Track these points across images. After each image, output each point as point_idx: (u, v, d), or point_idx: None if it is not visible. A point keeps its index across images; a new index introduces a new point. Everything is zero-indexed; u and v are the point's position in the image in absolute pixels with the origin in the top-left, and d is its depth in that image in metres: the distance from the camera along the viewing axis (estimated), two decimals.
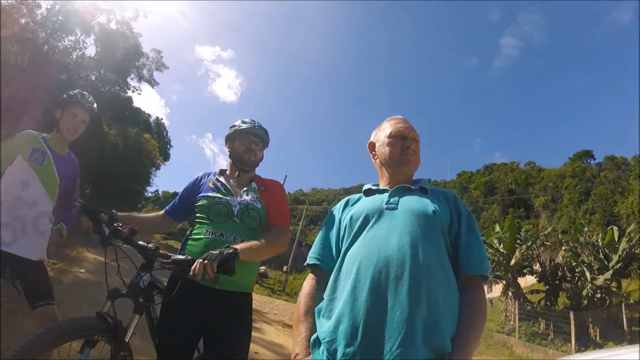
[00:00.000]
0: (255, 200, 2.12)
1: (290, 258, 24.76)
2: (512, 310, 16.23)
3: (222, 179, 2.22)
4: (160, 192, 60.51)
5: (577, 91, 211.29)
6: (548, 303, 17.28)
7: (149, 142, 26.10)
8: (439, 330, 1.23)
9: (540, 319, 15.80)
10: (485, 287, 1.22)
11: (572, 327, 14.19)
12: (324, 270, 1.54)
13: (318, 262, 1.56)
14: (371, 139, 1.75)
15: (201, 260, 1.64)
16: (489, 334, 15.70)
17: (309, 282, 1.59)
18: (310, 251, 1.62)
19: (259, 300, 15.55)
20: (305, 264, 1.63)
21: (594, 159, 63.15)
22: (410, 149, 1.64)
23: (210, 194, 2.13)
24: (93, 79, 22.71)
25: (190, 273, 1.64)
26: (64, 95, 2.69)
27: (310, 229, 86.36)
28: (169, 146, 33.23)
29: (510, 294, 17.33)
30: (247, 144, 2.22)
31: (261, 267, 23.33)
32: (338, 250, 1.53)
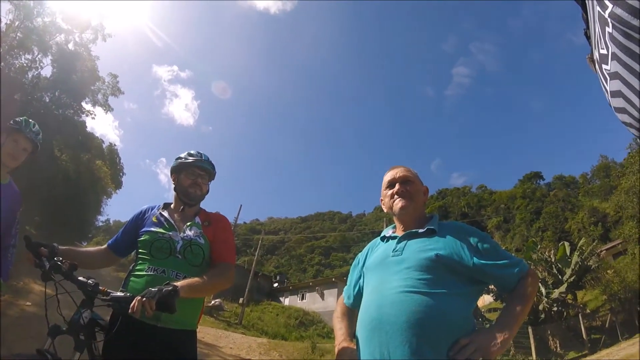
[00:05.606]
0: (198, 236, 2.10)
1: (247, 289, 24.15)
2: None
3: (165, 213, 2.19)
4: (111, 222, 58.38)
5: (526, 114, 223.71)
6: None
7: (101, 169, 25.19)
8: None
9: None
10: None
11: (532, 341, 14.64)
12: (349, 308, 1.88)
13: (347, 303, 1.89)
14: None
15: (140, 297, 1.61)
16: None
17: (340, 302, 1.95)
18: (345, 289, 1.94)
19: (214, 335, 14.94)
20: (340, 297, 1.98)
21: (543, 180, 66.53)
22: (399, 192, 1.75)
23: (152, 229, 2.10)
24: (47, 100, 21.79)
25: (130, 311, 1.60)
26: (11, 122, 2.60)
27: (267, 259, 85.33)
28: (121, 174, 32.09)
29: None
30: (193, 177, 2.21)
31: (216, 300, 22.64)
32: (360, 289, 1.78)
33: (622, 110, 0.89)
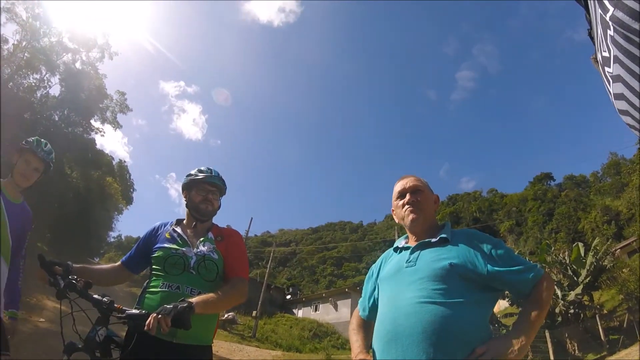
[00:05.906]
0: (212, 251, 2.11)
1: (260, 302, 24.08)
2: None
3: (178, 229, 2.20)
4: (123, 237, 58.81)
5: (533, 115, 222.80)
6: None
7: (112, 185, 25.46)
8: None
9: None
10: None
11: (549, 344, 14.39)
12: (365, 320, 1.86)
13: (362, 315, 1.88)
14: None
15: (155, 314, 1.61)
16: None
17: (355, 314, 1.93)
18: (360, 301, 1.94)
19: (228, 348, 14.98)
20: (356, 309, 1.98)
21: (554, 180, 65.87)
22: (409, 202, 1.75)
23: (166, 245, 2.11)
24: (56, 119, 22.23)
25: (145, 328, 1.61)
26: (23, 142, 2.64)
27: (279, 271, 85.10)
28: (132, 190, 32.41)
29: None
30: (203, 193, 2.23)
31: (229, 314, 22.61)
32: (375, 301, 1.78)
33: (625, 113, 0.89)
